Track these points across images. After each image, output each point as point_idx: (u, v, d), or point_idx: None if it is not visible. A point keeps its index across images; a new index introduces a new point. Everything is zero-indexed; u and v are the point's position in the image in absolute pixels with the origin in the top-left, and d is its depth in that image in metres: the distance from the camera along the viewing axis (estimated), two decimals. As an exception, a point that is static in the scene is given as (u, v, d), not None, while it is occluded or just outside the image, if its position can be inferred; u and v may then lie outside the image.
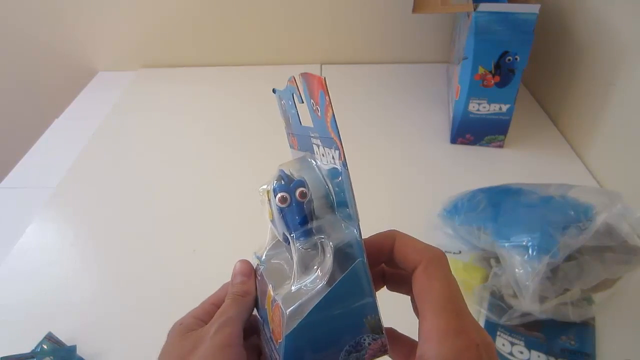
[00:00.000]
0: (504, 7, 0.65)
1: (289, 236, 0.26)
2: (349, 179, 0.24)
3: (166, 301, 0.55)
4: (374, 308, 0.24)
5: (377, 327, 0.25)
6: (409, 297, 0.26)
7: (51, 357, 0.48)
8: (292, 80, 0.26)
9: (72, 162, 0.79)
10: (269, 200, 0.27)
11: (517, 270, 0.46)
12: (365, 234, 0.25)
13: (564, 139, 0.79)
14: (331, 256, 0.25)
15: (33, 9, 0.98)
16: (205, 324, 0.28)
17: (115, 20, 1.00)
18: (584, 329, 0.48)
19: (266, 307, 0.27)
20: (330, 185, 0.26)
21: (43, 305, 0.56)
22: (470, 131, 0.77)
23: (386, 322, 0.25)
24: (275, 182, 0.27)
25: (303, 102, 0.26)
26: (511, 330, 0.48)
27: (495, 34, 0.66)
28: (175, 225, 0.66)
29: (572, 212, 0.47)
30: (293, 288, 0.25)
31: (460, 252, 0.54)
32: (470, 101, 0.72)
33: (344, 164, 0.24)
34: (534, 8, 0.64)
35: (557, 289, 0.45)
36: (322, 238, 0.26)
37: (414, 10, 0.77)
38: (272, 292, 0.26)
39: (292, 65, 1.04)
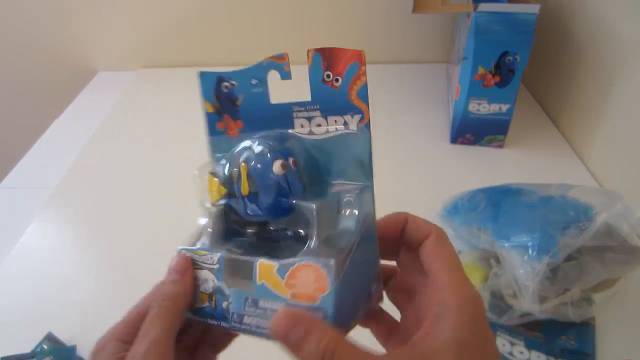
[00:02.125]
0: (504, 7, 0.65)
1: (288, 204, 0.26)
2: (370, 137, 0.26)
3: (166, 301, 0.55)
4: (378, 255, 0.27)
5: (379, 275, 0.27)
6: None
7: (51, 357, 0.48)
8: (283, 56, 0.27)
9: (72, 162, 0.79)
10: (247, 173, 0.26)
11: (517, 270, 0.46)
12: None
13: (564, 139, 0.79)
14: (354, 212, 0.26)
15: (33, 9, 0.98)
16: (129, 345, 0.24)
17: (115, 20, 1.00)
18: (584, 329, 0.48)
19: (261, 281, 0.25)
20: (318, 156, 0.27)
21: (43, 305, 0.56)
22: (470, 131, 0.77)
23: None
24: (257, 149, 0.26)
25: (290, 78, 0.27)
26: (511, 330, 0.48)
27: (495, 34, 0.66)
28: (175, 225, 0.66)
29: (572, 212, 0.47)
30: (312, 245, 0.25)
31: (460, 252, 0.54)
32: (470, 101, 0.72)
33: (367, 124, 0.26)
34: (534, 8, 0.64)
35: (557, 289, 0.45)
36: (333, 198, 0.26)
37: (414, 10, 0.77)
38: (274, 262, 0.24)
39: (292, 65, 1.03)
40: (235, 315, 0.25)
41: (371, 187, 0.27)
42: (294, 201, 0.26)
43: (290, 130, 0.28)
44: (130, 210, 0.69)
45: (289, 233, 0.28)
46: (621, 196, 0.48)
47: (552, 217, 0.47)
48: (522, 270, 0.45)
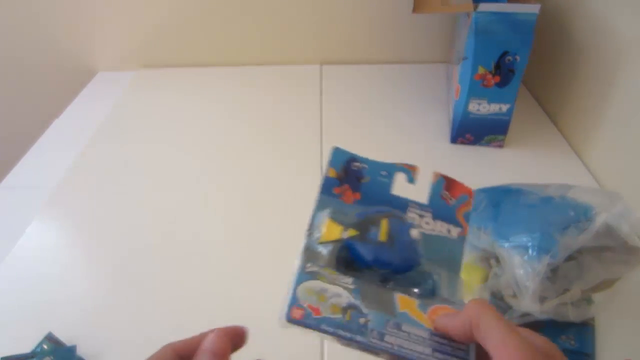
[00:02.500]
0: (504, 7, 0.65)
1: (414, 262, 0.32)
2: (464, 247, 0.33)
3: (166, 301, 0.55)
4: None
5: None
6: None
7: (51, 357, 0.48)
8: (413, 167, 0.34)
9: (72, 162, 0.79)
10: (387, 226, 0.32)
11: (517, 270, 0.46)
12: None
13: (564, 139, 0.79)
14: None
15: (33, 9, 0.98)
16: None
17: (115, 20, 1.00)
18: (584, 329, 0.48)
19: (403, 310, 0.29)
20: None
21: (43, 305, 0.56)
22: (470, 131, 0.77)
23: None
24: (400, 217, 0.33)
25: (413, 184, 0.34)
26: (511, 331, 0.48)
27: (495, 34, 0.66)
28: (175, 225, 0.66)
29: (572, 213, 0.47)
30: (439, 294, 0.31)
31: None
32: (470, 101, 0.72)
33: (464, 238, 0.33)
34: (534, 8, 0.64)
35: (557, 289, 0.45)
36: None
37: (414, 10, 0.77)
38: (413, 298, 0.29)
39: (292, 65, 1.04)
40: (375, 332, 0.28)
41: (460, 278, 0.32)
42: (421, 262, 0.32)
43: (403, 215, 0.34)
44: (130, 211, 0.69)
45: (400, 288, 0.31)
46: (621, 196, 0.48)
47: (552, 217, 0.47)
48: (522, 270, 0.45)
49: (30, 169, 0.80)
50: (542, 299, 0.45)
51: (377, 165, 0.35)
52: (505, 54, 0.67)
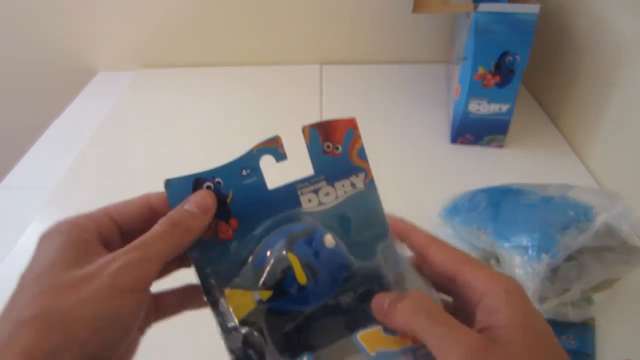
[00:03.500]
0: (504, 7, 0.65)
1: (350, 269, 0.26)
2: (377, 191, 0.28)
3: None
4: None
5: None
6: None
7: (51, 357, 0.48)
8: (276, 139, 0.27)
9: (72, 162, 0.79)
10: (298, 261, 0.25)
11: (517, 270, 0.46)
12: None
13: (564, 139, 0.79)
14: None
15: (32, 9, 0.98)
16: (97, 240, 0.23)
17: (115, 20, 1.00)
18: (584, 329, 0.48)
19: (374, 349, 0.24)
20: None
21: (43, 305, 0.56)
22: (470, 131, 0.77)
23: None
24: (302, 238, 0.26)
25: (285, 158, 0.27)
26: (511, 331, 0.48)
27: (495, 34, 0.66)
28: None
29: (572, 213, 0.47)
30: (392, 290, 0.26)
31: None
32: (470, 101, 0.72)
33: (372, 180, 0.28)
34: (534, 8, 0.64)
35: (557, 289, 0.45)
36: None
37: (414, 10, 0.77)
38: (374, 328, 0.25)
39: (292, 65, 1.04)
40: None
41: (388, 232, 0.28)
42: (355, 266, 0.26)
43: (295, 212, 0.27)
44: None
45: (352, 299, 0.27)
46: (621, 196, 0.48)
47: (552, 217, 0.47)
48: (522, 271, 0.45)
49: (30, 169, 0.80)
50: (542, 299, 0.45)
51: (232, 168, 0.27)
52: (505, 54, 0.67)
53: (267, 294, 0.25)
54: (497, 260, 0.50)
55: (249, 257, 0.26)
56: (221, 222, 0.26)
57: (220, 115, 0.89)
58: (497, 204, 0.53)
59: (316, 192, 0.27)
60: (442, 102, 0.89)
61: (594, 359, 0.46)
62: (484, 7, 0.66)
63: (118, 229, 0.25)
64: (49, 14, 0.99)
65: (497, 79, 0.69)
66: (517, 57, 0.67)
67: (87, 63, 1.07)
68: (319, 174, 0.27)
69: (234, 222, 0.27)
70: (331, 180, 0.27)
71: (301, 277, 0.25)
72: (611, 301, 0.49)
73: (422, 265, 0.27)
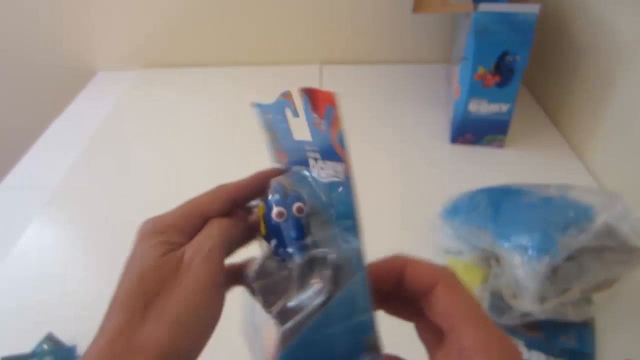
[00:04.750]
0: (504, 7, 0.65)
1: (283, 252, 0.26)
2: (353, 192, 0.24)
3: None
4: (372, 326, 0.24)
5: (375, 347, 0.24)
6: (412, 322, 0.25)
7: (51, 357, 0.48)
8: (287, 94, 0.26)
9: (72, 162, 0.79)
10: (262, 215, 0.27)
11: (517, 270, 0.46)
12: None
13: (564, 139, 0.79)
14: (330, 270, 0.24)
15: (32, 9, 0.98)
16: (186, 238, 0.25)
17: (116, 19, 1.00)
18: (584, 329, 0.48)
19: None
20: (326, 199, 0.26)
21: (43, 305, 0.56)
22: (470, 131, 0.77)
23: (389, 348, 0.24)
24: (270, 196, 0.26)
25: (298, 117, 0.25)
26: (511, 330, 0.48)
27: (495, 34, 0.66)
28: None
29: (572, 213, 0.47)
30: (289, 305, 0.24)
31: (460, 252, 0.54)
32: (470, 101, 0.72)
33: (348, 178, 0.24)
34: (534, 8, 0.64)
35: (557, 289, 0.45)
36: (321, 252, 0.25)
37: (414, 10, 0.77)
38: (263, 310, 0.24)
39: (292, 65, 1.04)
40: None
41: (357, 247, 0.24)
42: (288, 249, 0.26)
43: (307, 170, 0.28)
44: (130, 210, 0.69)
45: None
46: (621, 197, 0.48)
47: (552, 218, 0.47)
48: (522, 271, 0.45)
49: (30, 169, 0.80)
50: (542, 299, 0.45)
51: (275, 110, 0.27)
52: (505, 54, 0.67)
53: (262, 228, 0.27)
54: (497, 260, 0.50)
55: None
56: (280, 152, 0.29)
57: (219, 115, 0.89)
58: (497, 204, 0.53)
59: (316, 160, 0.26)
60: (442, 102, 0.89)
61: (594, 359, 0.46)
62: (484, 7, 0.66)
63: (204, 223, 0.26)
64: (49, 14, 0.99)
65: (497, 79, 0.69)
66: (517, 57, 0.67)
67: (87, 63, 1.07)
68: (314, 144, 0.26)
69: (284, 155, 0.29)
70: (323, 156, 0.26)
71: (262, 228, 0.27)
72: (611, 301, 0.49)
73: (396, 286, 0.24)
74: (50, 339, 0.50)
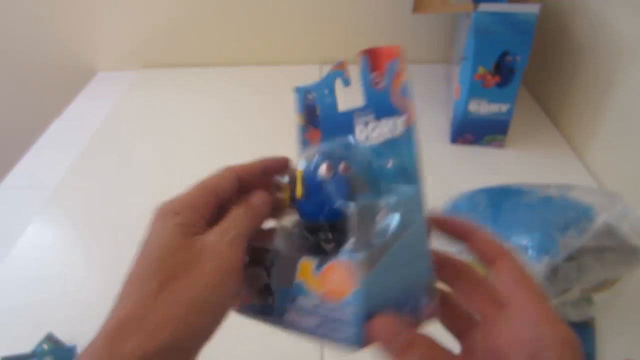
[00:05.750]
0: (504, 7, 0.65)
1: (335, 205, 0.26)
2: (415, 140, 0.25)
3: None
4: (431, 270, 0.25)
5: (432, 290, 0.25)
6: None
7: (51, 357, 0.48)
8: (342, 64, 0.28)
9: (72, 162, 0.79)
10: (301, 178, 0.27)
11: (517, 270, 0.45)
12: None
13: (564, 139, 0.79)
14: (395, 214, 0.25)
15: (32, 9, 0.98)
16: (204, 221, 0.25)
17: (115, 20, 1.00)
18: (584, 329, 0.48)
19: (299, 279, 0.25)
20: (375, 163, 0.27)
21: (43, 305, 0.56)
22: (470, 131, 0.77)
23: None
24: (316, 157, 0.27)
25: (349, 84, 0.27)
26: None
27: (495, 34, 0.66)
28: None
29: (572, 213, 0.47)
30: (346, 246, 0.24)
31: (460, 252, 0.54)
32: (470, 101, 0.72)
33: (411, 126, 0.25)
34: (534, 8, 0.64)
35: (557, 289, 0.45)
36: (378, 201, 0.26)
37: (414, 10, 0.77)
38: (312, 260, 0.25)
39: (292, 65, 1.04)
40: (278, 311, 0.25)
41: (418, 193, 0.25)
42: (338, 204, 0.26)
43: (351, 137, 0.28)
44: (131, 210, 0.69)
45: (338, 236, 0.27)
46: (621, 197, 0.48)
47: (552, 218, 0.47)
48: (522, 271, 0.45)
49: (30, 169, 0.80)
50: (542, 299, 0.45)
51: (320, 87, 0.29)
52: (505, 54, 0.67)
53: (288, 195, 0.28)
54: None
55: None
56: (313, 131, 0.30)
57: (220, 115, 0.89)
58: (497, 204, 0.53)
59: (365, 124, 0.27)
60: (442, 102, 0.89)
61: (594, 359, 0.46)
62: (484, 7, 0.66)
63: (217, 202, 0.27)
64: (49, 14, 0.99)
65: (497, 79, 0.69)
66: (517, 57, 0.67)
67: (87, 63, 1.07)
68: (368, 107, 0.27)
69: (318, 132, 0.30)
70: (378, 116, 0.26)
71: (299, 190, 0.27)
72: (611, 301, 0.49)
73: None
74: (50, 339, 0.50)
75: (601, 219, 0.46)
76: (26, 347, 0.49)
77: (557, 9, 0.81)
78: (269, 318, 0.26)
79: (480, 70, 0.69)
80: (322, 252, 0.27)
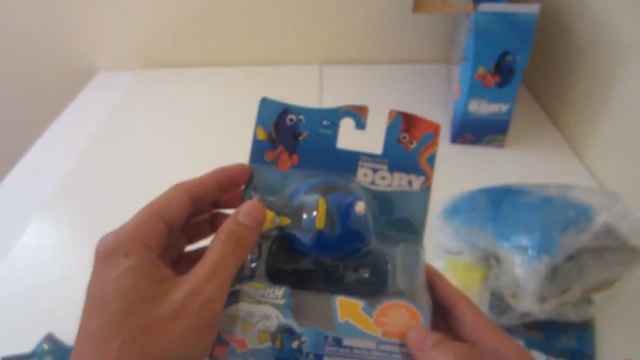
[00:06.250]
0: (504, 7, 0.65)
1: (362, 244, 0.27)
2: (428, 202, 0.28)
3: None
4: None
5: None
6: None
7: (51, 357, 0.48)
8: (363, 108, 0.29)
9: (72, 162, 0.79)
10: (326, 208, 0.26)
11: (517, 270, 0.46)
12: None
13: (564, 139, 0.79)
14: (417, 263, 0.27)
15: (32, 9, 0.98)
16: (156, 255, 0.22)
17: (116, 20, 1.00)
18: (584, 329, 0.48)
19: (344, 319, 0.24)
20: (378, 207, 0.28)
21: (43, 305, 0.56)
22: (470, 131, 0.77)
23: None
24: (342, 190, 0.27)
25: (364, 129, 0.28)
26: (511, 330, 0.48)
27: (495, 34, 0.66)
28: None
29: (572, 213, 0.47)
30: (393, 287, 0.26)
31: (460, 252, 0.54)
32: (470, 101, 0.72)
33: (428, 188, 0.29)
34: (534, 8, 0.64)
35: (557, 289, 0.45)
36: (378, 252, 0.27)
37: (414, 10, 0.77)
38: (357, 300, 0.25)
39: (292, 65, 1.04)
40: (311, 356, 0.23)
41: (422, 245, 0.28)
42: (370, 245, 0.27)
43: (351, 179, 0.28)
44: (130, 211, 0.68)
45: (350, 273, 0.27)
46: (621, 197, 0.48)
47: (552, 217, 0.47)
48: (522, 270, 0.45)
49: (30, 169, 0.80)
50: (542, 299, 0.45)
51: (317, 114, 0.28)
52: (505, 54, 0.67)
53: (285, 221, 0.26)
54: (497, 260, 0.50)
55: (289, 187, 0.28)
56: (285, 153, 0.28)
57: (220, 115, 0.89)
58: (497, 204, 0.53)
59: (374, 171, 0.28)
60: (442, 102, 0.89)
61: (594, 359, 0.46)
62: (484, 7, 0.66)
63: (168, 230, 0.24)
64: (49, 14, 0.99)
65: (497, 79, 0.69)
66: (517, 57, 0.67)
67: (87, 63, 1.07)
68: (384, 157, 0.28)
69: (295, 158, 0.28)
70: (392, 168, 0.28)
71: (320, 221, 0.26)
72: (611, 301, 0.49)
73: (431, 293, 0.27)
74: (50, 339, 0.50)
75: (601, 219, 0.46)
76: (26, 347, 0.49)
77: (557, 9, 0.81)
78: None
79: (480, 70, 0.69)
80: (324, 288, 0.26)
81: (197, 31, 1.02)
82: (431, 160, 0.29)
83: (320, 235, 0.26)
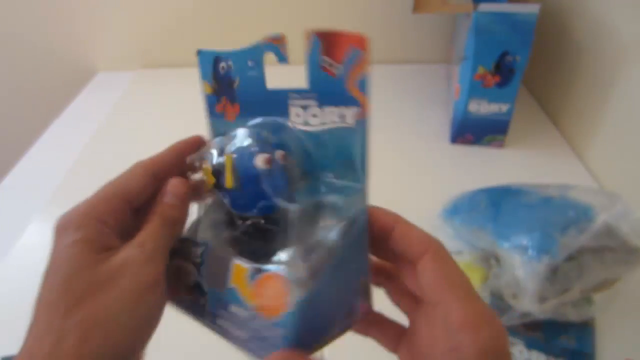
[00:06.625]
0: (504, 7, 0.65)
1: (272, 201, 0.24)
2: (367, 134, 0.23)
3: (166, 301, 0.55)
4: (367, 269, 0.23)
5: (367, 289, 0.24)
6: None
7: (51, 357, 0.48)
8: (279, 38, 0.25)
9: (72, 162, 0.79)
10: (231, 166, 0.24)
11: (517, 270, 0.46)
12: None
13: (564, 139, 0.79)
14: (339, 217, 0.23)
15: (31, 9, 0.98)
16: (113, 231, 0.23)
17: (115, 20, 1.00)
18: (584, 329, 0.48)
19: (232, 284, 0.23)
20: (314, 148, 0.25)
21: (43, 305, 0.56)
22: (470, 131, 0.77)
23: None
24: (248, 142, 0.25)
25: (287, 62, 0.25)
26: (511, 330, 0.48)
27: (495, 34, 0.66)
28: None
29: (572, 213, 0.47)
30: (284, 256, 0.23)
31: (460, 252, 0.54)
32: (470, 101, 0.72)
33: (364, 120, 0.23)
34: (534, 8, 0.64)
35: (557, 289, 0.45)
36: (326, 198, 0.24)
37: (414, 10, 0.77)
38: (247, 265, 0.23)
39: (292, 65, 1.04)
40: (210, 315, 0.24)
41: (363, 190, 0.23)
42: (276, 200, 0.24)
43: (285, 120, 0.25)
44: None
45: (282, 227, 0.25)
46: (621, 197, 0.48)
47: (552, 217, 0.47)
48: (522, 270, 0.45)
49: (30, 169, 0.80)
50: (542, 299, 0.45)
51: (241, 56, 0.26)
52: (505, 54, 0.67)
53: (212, 181, 0.25)
54: (497, 260, 0.50)
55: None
56: (228, 104, 0.27)
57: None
58: (497, 204, 0.53)
59: (304, 108, 0.24)
60: (442, 102, 0.89)
61: (594, 359, 0.46)
62: (484, 7, 0.66)
63: (129, 207, 0.25)
64: (49, 15, 0.99)
65: (497, 79, 0.69)
66: (517, 57, 0.67)
67: (87, 63, 1.07)
68: (311, 91, 0.24)
69: (237, 107, 0.27)
70: (321, 103, 0.24)
71: (229, 180, 0.24)
72: (611, 301, 0.49)
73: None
74: (50, 339, 0.50)
75: (601, 219, 0.46)
76: (26, 347, 0.49)
77: (557, 9, 0.81)
78: (202, 320, 0.24)
79: (480, 70, 0.69)
80: (254, 243, 0.25)
81: (197, 31, 1.02)
82: (362, 84, 0.22)
83: (232, 194, 0.25)
